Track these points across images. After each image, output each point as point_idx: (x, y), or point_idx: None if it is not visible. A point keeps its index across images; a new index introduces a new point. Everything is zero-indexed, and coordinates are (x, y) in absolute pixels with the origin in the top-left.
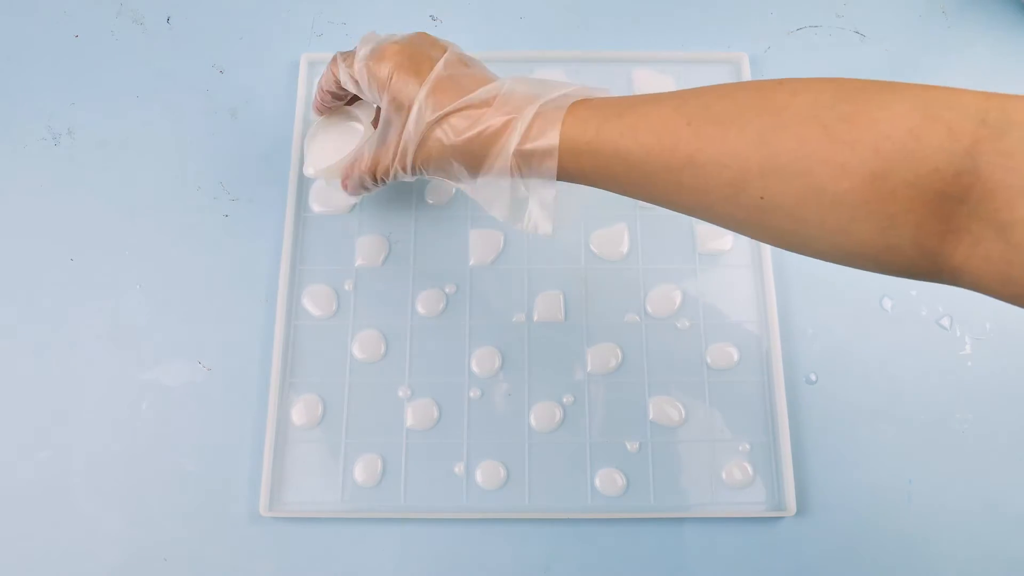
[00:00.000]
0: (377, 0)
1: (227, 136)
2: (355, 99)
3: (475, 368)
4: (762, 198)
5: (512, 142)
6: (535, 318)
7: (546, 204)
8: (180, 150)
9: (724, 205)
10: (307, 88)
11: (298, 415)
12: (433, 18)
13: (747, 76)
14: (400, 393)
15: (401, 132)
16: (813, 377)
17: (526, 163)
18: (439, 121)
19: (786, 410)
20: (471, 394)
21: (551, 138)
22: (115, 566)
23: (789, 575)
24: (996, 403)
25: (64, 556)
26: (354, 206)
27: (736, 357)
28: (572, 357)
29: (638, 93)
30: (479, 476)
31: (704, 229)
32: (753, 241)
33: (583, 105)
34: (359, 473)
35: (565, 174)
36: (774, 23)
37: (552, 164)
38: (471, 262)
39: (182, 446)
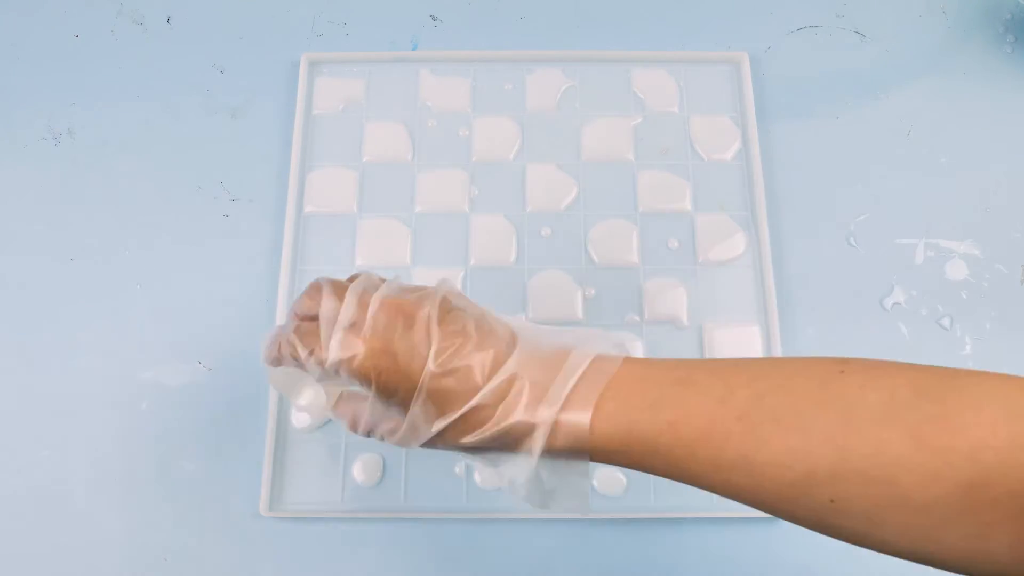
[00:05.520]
0: (377, 0)
1: (227, 136)
2: None
3: None
4: (832, 501)
5: (536, 448)
6: (535, 318)
7: (579, 491)
8: (180, 150)
9: (785, 504)
10: (307, 88)
11: (298, 415)
12: (433, 18)
13: (747, 76)
14: None
15: (397, 429)
16: None
17: (552, 461)
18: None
19: None
20: None
21: (579, 445)
22: (115, 566)
23: (789, 575)
24: None
25: (64, 556)
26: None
27: (736, 357)
28: None
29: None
30: (479, 476)
31: (705, 229)
32: (753, 242)
33: (608, 397)
34: (359, 473)
35: (598, 461)
36: (774, 23)
37: (585, 468)
38: (471, 262)
39: (182, 446)
